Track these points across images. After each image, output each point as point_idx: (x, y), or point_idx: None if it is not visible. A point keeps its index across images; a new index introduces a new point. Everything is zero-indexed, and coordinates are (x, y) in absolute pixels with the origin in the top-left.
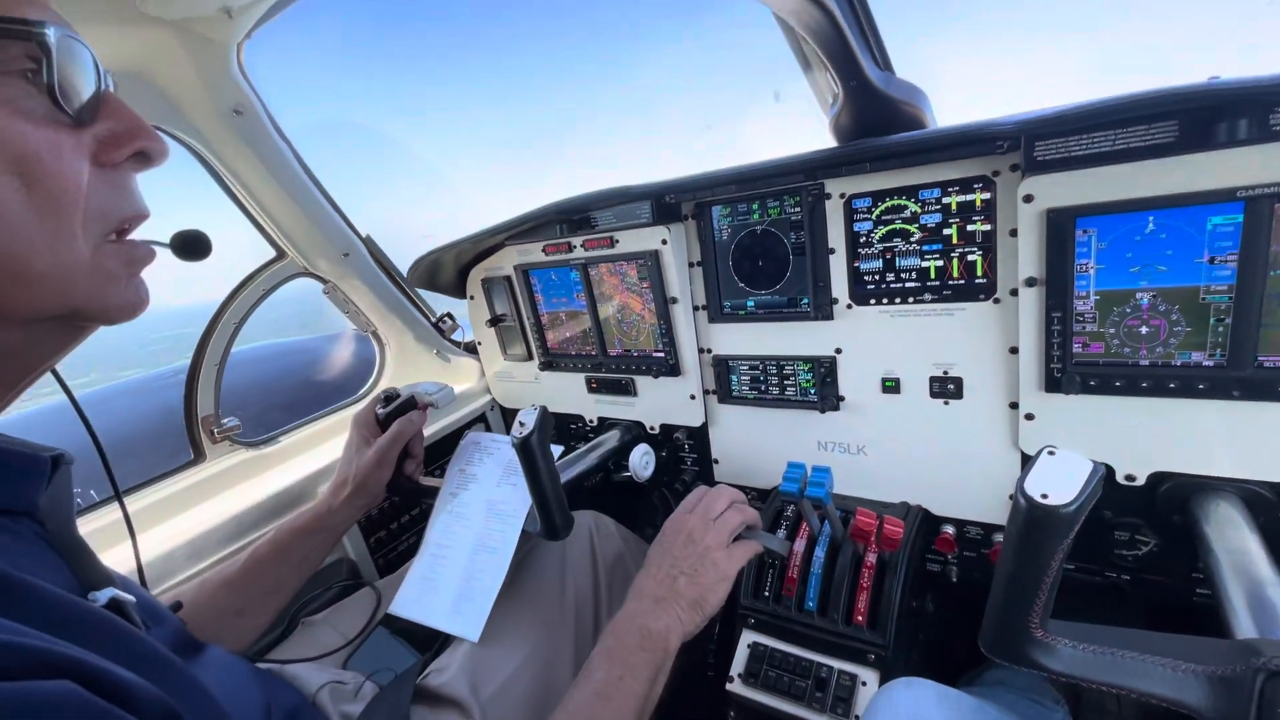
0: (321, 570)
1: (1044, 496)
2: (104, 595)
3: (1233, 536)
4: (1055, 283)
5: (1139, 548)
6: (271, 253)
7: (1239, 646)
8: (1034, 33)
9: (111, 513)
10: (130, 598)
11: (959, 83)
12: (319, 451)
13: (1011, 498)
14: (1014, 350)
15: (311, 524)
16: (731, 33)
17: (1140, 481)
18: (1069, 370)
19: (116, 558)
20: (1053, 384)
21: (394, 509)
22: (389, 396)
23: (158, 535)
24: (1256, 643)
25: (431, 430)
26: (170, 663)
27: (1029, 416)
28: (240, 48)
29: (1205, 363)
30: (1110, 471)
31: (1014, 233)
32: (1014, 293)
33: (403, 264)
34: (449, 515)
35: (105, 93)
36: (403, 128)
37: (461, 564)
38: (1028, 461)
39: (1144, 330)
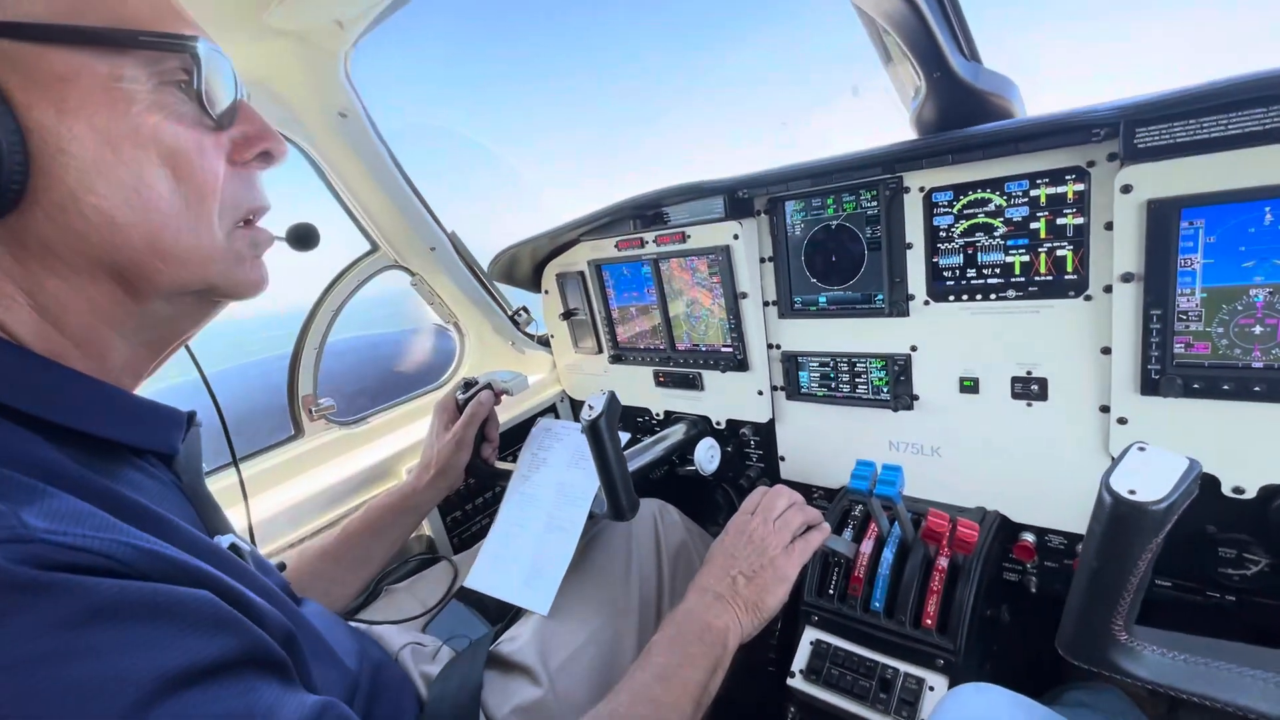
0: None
1: (1131, 492)
2: (225, 540)
3: None
4: (1155, 278)
5: (1247, 567)
6: (366, 246)
7: None
8: (1137, 16)
9: (224, 479)
10: (247, 546)
11: (1054, 72)
12: (403, 432)
13: None
14: (1106, 350)
15: (400, 503)
16: (807, 26)
17: (1250, 494)
18: (1169, 372)
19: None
20: (1150, 386)
21: (470, 491)
22: (468, 384)
23: (262, 501)
24: None
25: (505, 418)
26: (284, 599)
27: (1121, 420)
28: (347, 56)
29: None
30: (1215, 482)
31: (1109, 226)
32: (1108, 289)
33: (482, 259)
34: (521, 496)
35: (240, 100)
36: (486, 130)
37: (532, 542)
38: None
39: (1258, 330)
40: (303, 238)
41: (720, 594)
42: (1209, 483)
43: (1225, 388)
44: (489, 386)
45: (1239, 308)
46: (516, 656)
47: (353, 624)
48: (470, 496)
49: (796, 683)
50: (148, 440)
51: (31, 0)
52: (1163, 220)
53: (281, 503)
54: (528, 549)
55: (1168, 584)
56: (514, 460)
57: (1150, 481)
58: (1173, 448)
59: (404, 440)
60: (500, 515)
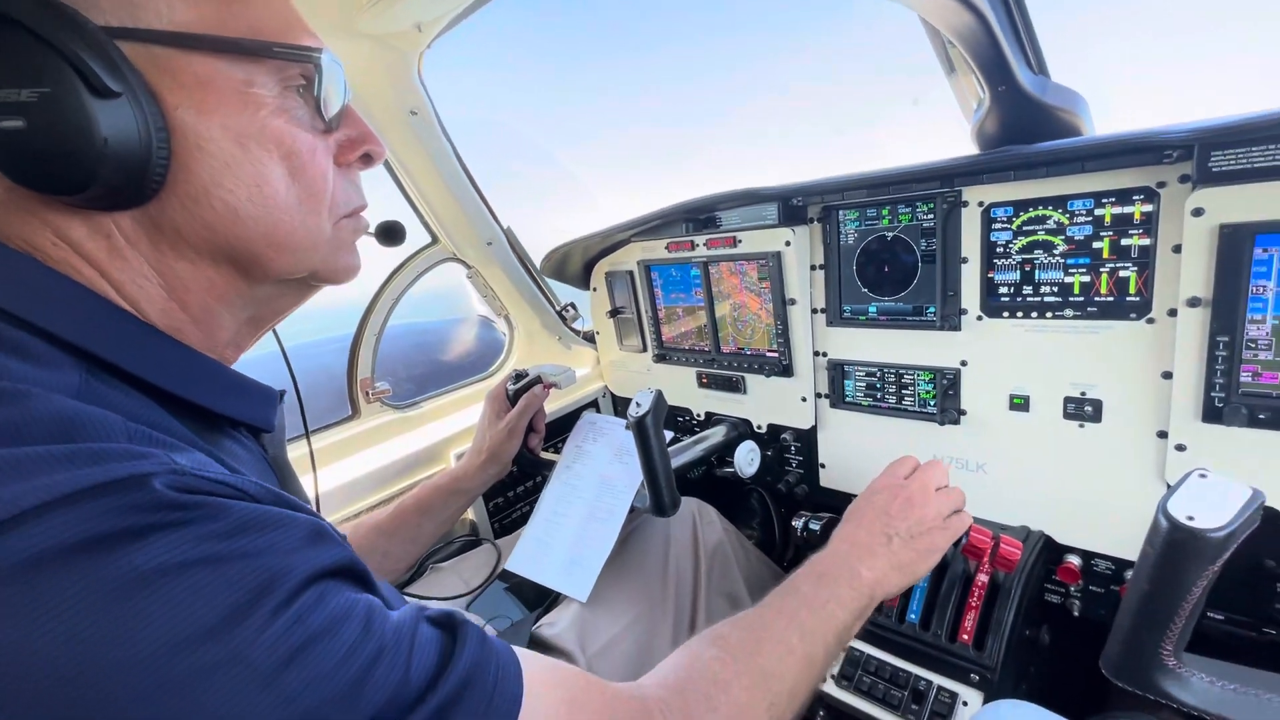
0: None
1: (1190, 518)
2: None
3: None
4: (1224, 304)
5: None
6: (427, 238)
7: None
8: (1221, 32)
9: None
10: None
11: (1128, 86)
12: (452, 418)
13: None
14: (1167, 375)
15: (450, 485)
16: (868, 33)
17: None
18: (1234, 400)
19: None
20: (1212, 414)
21: (512, 479)
22: (518, 375)
23: (321, 476)
24: None
25: (551, 410)
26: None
27: (1180, 447)
28: (421, 57)
29: None
30: (1276, 516)
31: (1177, 249)
32: (1172, 313)
33: (532, 255)
34: (564, 486)
35: (347, 106)
36: (544, 128)
37: (573, 530)
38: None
39: None
40: (390, 234)
41: (873, 549)
42: (1269, 516)
43: None
44: (539, 379)
45: None
46: (557, 640)
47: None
48: (512, 484)
49: (828, 687)
50: (248, 414)
51: (183, 11)
52: (1235, 246)
53: (338, 478)
54: (568, 537)
55: (1220, 617)
56: (556, 451)
57: (1210, 508)
58: (1232, 478)
59: (453, 426)
60: (542, 503)
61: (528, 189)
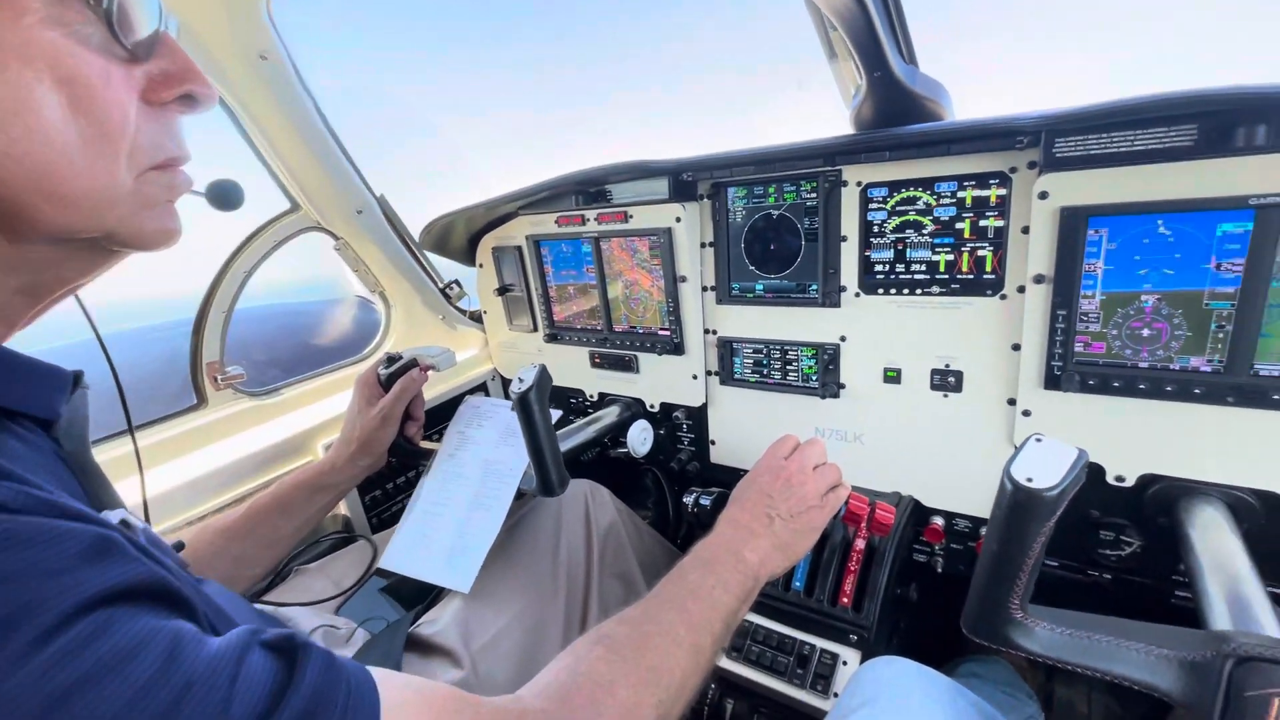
0: None
1: (1029, 480)
2: (115, 515)
3: (1215, 539)
4: (1063, 281)
5: (1123, 548)
6: (286, 204)
7: (1211, 635)
8: (1061, 34)
9: (115, 449)
10: (139, 522)
11: (981, 80)
12: (320, 406)
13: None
14: (1016, 347)
15: (314, 480)
16: (757, 17)
17: (1129, 483)
18: (1069, 369)
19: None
20: (1052, 381)
21: (390, 470)
22: (391, 359)
23: (158, 475)
24: (1228, 632)
25: (432, 395)
26: (183, 575)
27: (1026, 413)
28: None
29: (1203, 368)
30: (1100, 471)
31: (1026, 230)
32: (1021, 290)
33: (413, 229)
34: (445, 474)
35: (163, 33)
36: (425, 96)
37: (456, 521)
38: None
39: (1146, 333)
40: (223, 196)
41: (756, 532)
42: (1095, 471)
43: (1115, 385)
44: (415, 362)
45: (1131, 312)
46: (437, 639)
47: (258, 606)
48: (391, 476)
49: (719, 660)
50: (21, 401)
51: None
52: (1072, 227)
53: (180, 477)
54: (450, 527)
55: (1054, 564)
56: (437, 439)
57: (1045, 470)
58: (1068, 439)
59: (321, 414)
60: (421, 494)
61: (409, 163)
